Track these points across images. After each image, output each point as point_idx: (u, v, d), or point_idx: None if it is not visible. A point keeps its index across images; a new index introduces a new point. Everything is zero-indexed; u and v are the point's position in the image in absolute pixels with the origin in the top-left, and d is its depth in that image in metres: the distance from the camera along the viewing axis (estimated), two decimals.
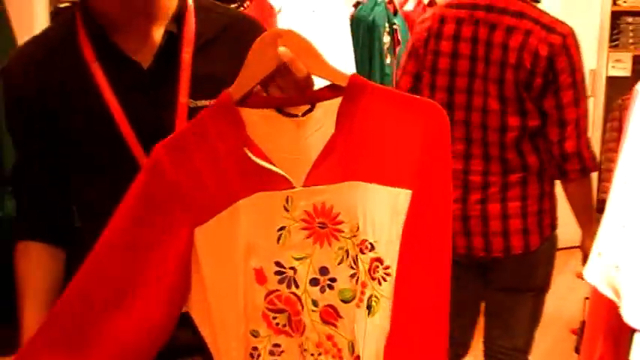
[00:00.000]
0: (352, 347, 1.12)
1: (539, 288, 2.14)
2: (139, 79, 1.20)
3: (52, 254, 1.27)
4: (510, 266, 2.07)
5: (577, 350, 2.50)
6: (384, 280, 1.09)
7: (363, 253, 1.09)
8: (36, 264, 1.25)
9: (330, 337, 1.13)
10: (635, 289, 1.18)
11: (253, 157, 1.07)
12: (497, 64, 1.94)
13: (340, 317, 1.12)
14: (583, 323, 2.22)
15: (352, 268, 1.11)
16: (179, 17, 1.21)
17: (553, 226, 2.09)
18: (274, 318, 1.14)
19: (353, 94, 1.08)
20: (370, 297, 1.10)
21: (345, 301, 1.12)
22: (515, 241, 2.03)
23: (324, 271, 1.12)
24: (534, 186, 2.03)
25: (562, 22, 1.96)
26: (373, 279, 1.09)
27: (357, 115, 1.08)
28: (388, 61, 3.64)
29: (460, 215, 2.04)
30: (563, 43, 1.91)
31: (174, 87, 1.19)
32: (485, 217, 2.03)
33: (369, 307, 1.09)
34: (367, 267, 1.09)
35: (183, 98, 1.18)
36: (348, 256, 1.11)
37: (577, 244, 2.09)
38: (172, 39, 1.20)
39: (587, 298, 1.70)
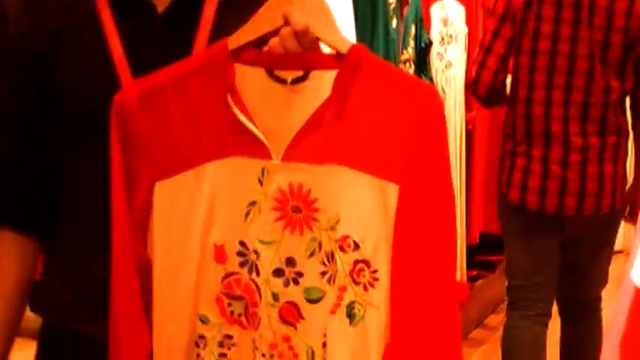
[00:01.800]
0: (312, 355, 1.05)
1: (613, 245, 2.49)
2: (150, 22, 1.12)
3: (22, 245, 1.16)
4: (596, 224, 2.38)
5: None
6: (371, 286, 1.02)
7: (344, 252, 1.03)
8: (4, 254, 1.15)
9: (286, 339, 1.06)
10: None
11: (235, 110, 1.02)
12: (601, 27, 2.19)
13: (302, 318, 1.05)
14: None
15: (324, 264, 1.04)
16: None
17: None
18: (229, 305, 1.07)
19: (352, 67, 1.02)
20: (351, 303, 1.03)
21: (310, 301, 1.05)
22: (606, 201, 2.32)
23: (290, 262, 1.05)
24: (623, 150, 2.35)
25: None
26: (357, 283, 1.03)
27: (351, 92, 1.02)
28: (394, 24, 3.09)
29: (558, 175, 2.30)
30: None
31: (190, 38, 1.11)
32: (584, 177, 2.29)
33: (349, 316, 1.03)
34: (349, 269, 1.03)
35: (199, 51, 1.10)
36: (320, 250, 1.04)
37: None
38: None
39: None
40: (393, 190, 1.01)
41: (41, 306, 1.18)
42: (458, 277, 3.06)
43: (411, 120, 1.00)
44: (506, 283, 2.62)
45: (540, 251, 2.45)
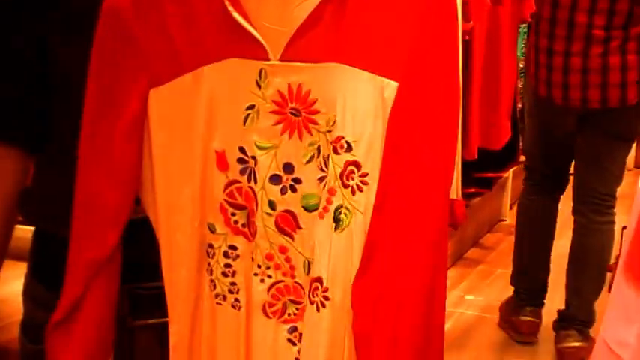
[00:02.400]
0: (308, 267, 1.04)
1: (633, 138, 2.57)
2: None
3: (14, 159, 1.16)
4: (619, 116, 2.43)
5: (610, 289, 2.69)
6: (359, 190, 1.01)
7: (337, 154, 1.01)
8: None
9: (283, 250, 1.04)
10: None
11: (230, 8, 0.98)
12: None
13: (299, 228, 1.04)
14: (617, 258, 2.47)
15: (322, 170, 1.02)
16: None
17: None
18: (233, 215, 1.05)
19: None
20: (339, 208, 1.01)
21: (307, 209, 1.03)
22: (631, 92, 2.37)
23: (288, 168, 1.03)
24: None
25: None
26: (346, 186, 1.01)
27: None
28: None
29: (580, 68, 2.36)
30: None
31: None
32: (606, 69, 2.34)
33: (336, 221, 1.01)
34: (340, 171, 1.01)
35: None
36: (319, 155, 1.02)
37: None
38: None
39: (624, 227, 1.85)
40: (391, 88, 0.98)
41: (34, 216, 1.20)
42: (454, 194, 3.03)
43: (416, 14, 0.97)
44: (525, 162, 2.84)
45: (561, 140, 2.59)
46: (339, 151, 1.01)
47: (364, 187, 1.00)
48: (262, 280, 1.05)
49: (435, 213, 1.00)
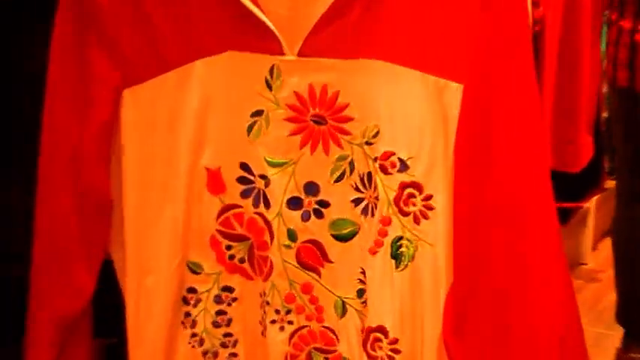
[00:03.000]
0: (343, 308, 1.07)
1: None
2: None
3: None
4: None
5: None
6: (424, 217, 1.03)
7: (387, 173, 1.03)
8: None
9: (307, 289, 1.07)
10: None
11: None
12: None
13: (329, 262, 1.06)
14: None
15: (358, 190, 1.05)
16: None
17: None
18: (229, 248, 1.08)
19: None
20: (398, 240, 1.03)
21: (339, 238, 1.06)
22: None
23: (311, 188, 1.05)
24: None
25: None
26: (405, 214, 1.03)
27: None
28: None
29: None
30: None
31: None
32: None
33: (396, 257, 1.03)
34: (394, 195, 1.03)
35: None
36: (352, 172, 1.04)
37: None
38: None
39: None
40: (454, 90, 0.99)
41: None
42: None
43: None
44: (617, 183, 2.94)
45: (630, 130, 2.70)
46: (390, 170, 1.02)
47: (430, 213, 1.02)
48: (282, 328, 1.08)
49: (542, 238, 1.01)
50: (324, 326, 1.07)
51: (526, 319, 1.01)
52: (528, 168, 1.01)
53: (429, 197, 1.02)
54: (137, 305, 1.08)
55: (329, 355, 1.08)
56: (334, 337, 1.07)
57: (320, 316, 1.07)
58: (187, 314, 1.09)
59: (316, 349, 1.08)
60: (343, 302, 1.06)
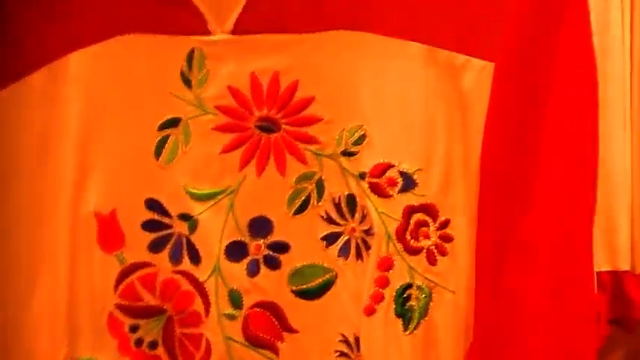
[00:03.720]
0: None
1: None
2: None
3: None
4: None
5: None
6: (442, 252, 0.92)
7: (386, 196, 0.91)
8: None
9: None
10: None
11: None
12: None
13: (291, 332, 0.94)
14: None
15: (332, 222, 0.93)
16: None
17: None
18: (134, 329, 0.95)
19: None
20: (405, 290, 0.91)
21: (306, 295, 0.93)
22: None
23: (260, 227, 0.92)
24: None
25: None
26: (413, 251, 0.91)
27: None
28: None
29: None
30: None
31: None
32: None
33: (403, 315, 0.91)
34: (396, 226, 0.91)
35: None
36: (321, 197, 0.92)
37: None
38: None
39: None
40: (479, 71, 0.88)
41: None
42: (624, 262, 3.29)
43: None
44: None
45: None
46: (389, 191, 0.90)
47: (447, 247, 0.90)
48: None
49: (574, 283, 0.89)
50: None
51: None
52: (582, 195, 0.89)
53: (445, 223, 0.90)
54: None
55: None
56: None
57: None
58: None
59: None
60: None
